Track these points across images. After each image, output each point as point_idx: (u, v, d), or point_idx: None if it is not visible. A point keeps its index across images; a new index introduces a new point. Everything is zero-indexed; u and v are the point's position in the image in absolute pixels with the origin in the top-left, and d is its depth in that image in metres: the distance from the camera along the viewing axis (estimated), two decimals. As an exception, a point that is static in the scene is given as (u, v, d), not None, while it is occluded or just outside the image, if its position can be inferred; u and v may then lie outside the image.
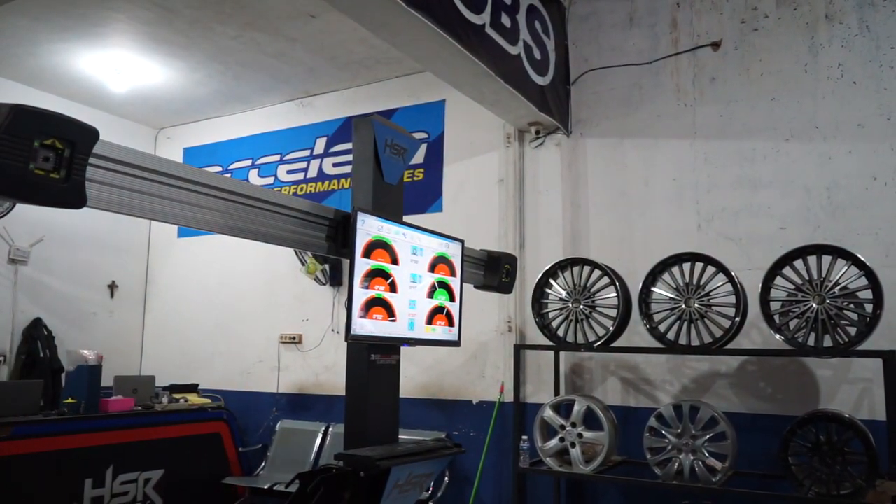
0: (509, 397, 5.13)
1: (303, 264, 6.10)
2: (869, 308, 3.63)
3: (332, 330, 6.17)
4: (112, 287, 7.15)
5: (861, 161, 4.43)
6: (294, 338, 6.38)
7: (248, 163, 7.01)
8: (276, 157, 6.83)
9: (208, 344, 6.94)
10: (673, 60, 5.07)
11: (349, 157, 6.25)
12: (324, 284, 6.18)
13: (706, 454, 3.86)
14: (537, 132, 5.30)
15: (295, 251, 6.12)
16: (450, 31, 3.66)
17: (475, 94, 4.66)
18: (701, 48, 4.98)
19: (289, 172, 6.73)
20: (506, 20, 4.41)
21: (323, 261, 6.03)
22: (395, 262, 3.04)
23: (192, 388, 6.25)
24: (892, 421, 3.55)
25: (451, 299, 3.51)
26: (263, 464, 6.06)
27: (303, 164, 6.64)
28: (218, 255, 6.99)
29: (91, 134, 1.96)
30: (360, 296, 2.78)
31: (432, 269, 3.35)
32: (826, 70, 4.61)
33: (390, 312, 2.97)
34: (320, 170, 6.52)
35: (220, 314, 6.91)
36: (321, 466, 2.63)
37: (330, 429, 5.95)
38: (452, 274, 3.54)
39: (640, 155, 5.11)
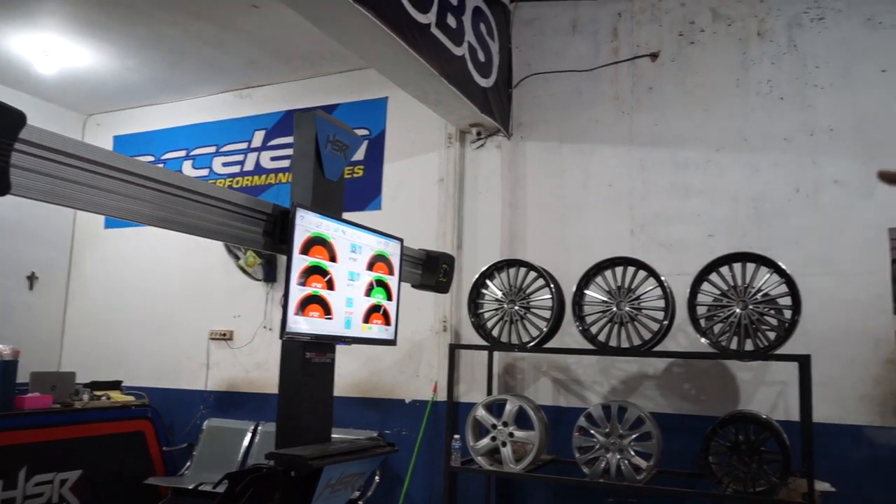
0: (442, 396, 5.15)
1: (237, 259, 5.97)
2: (788, 314, 3.80)
3: (265, 327, 6.06)
4: (31, 278, 6.82)
5: (785, 173, 4.63)
6: (225, 334, 6.23)
7: (183, 153, 6.81)
8: (212, 149, 6.65)
9: (134, 340, 6.70)
10: (613, 69, 5.18)
11: (288, 152, 6.16)
12: (258, 280, 6.06)
13: (632, 453, 3.96)
14: (478, 133, 5.33)
15: (226, 246, 5.98)
16: (396, 30, 3.64)
17: (419, 94, 4.66)
18: (640, 58, 5.12)
19: (225, 165, 6.57)
20: (451, 21, 4.42)
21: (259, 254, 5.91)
22: (333, 259, 3.00)
23: (115, 385, 6.02)
24: (805, 421, 3.72)
25: (389, 298, 3.49)
26: (189, 463, 5.89)
27: (240, 157, 6.49)
28: (147, 248, 6.76)
29: (17, 118, 1.86)
30: (297, 293, 2.73)
31: (370, 267, 3.32)
32: (756, 85, 4.80)
33: (327, 310, 2.93)
34: (258, 163, 6.39)
35: (147, 309, 6.69)
36: (251, 466, 2.57)
37: (259, 427, 5.84)
38: (390, 272, 3.52)
39: (578, 159, 5.21)
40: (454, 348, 4.69)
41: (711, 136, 4.86)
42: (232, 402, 6.16)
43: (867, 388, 4.27)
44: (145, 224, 2.54)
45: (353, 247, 3.15)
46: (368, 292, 3.28)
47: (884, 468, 4.18)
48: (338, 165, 3.12)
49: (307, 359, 2.93)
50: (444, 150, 5.52)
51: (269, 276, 6.02)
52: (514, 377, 5.18)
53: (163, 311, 6.60)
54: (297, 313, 2.73)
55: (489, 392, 4.91)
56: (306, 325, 2.83)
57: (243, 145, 6.49)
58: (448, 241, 5.32)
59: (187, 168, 6.73)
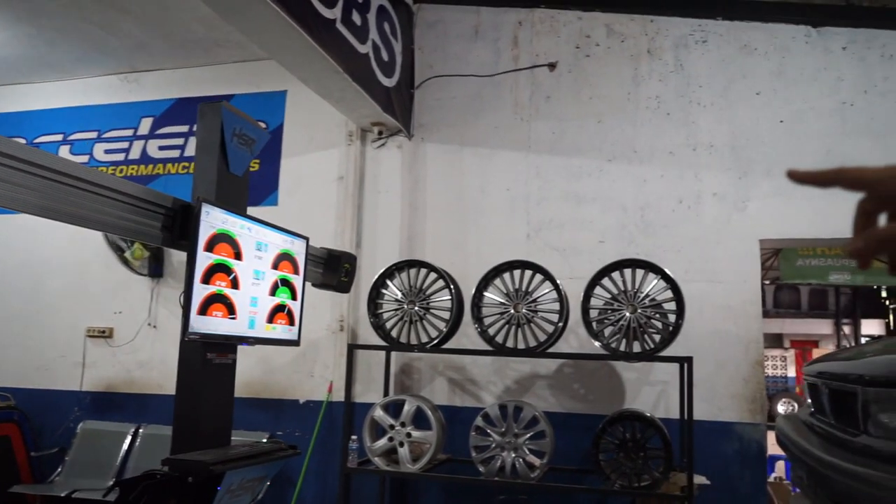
0: (338, 396, 5.10)
1: (120, 252, 5.62)
2: (672, 318, 4.05)
3: (149, 324, 5.75)
4: None
5: (670, 185, 4.92)
6: (104, 331, 5.86)
7: (59, 137, 6.34)
8: (94, 134, 6.24)
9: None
10: (513, 76, 5.31)
11: (178, 141, 5.88)
12: (142, 275, 5.74)
13: (527, 451, 4.08)
14: (380, 133, 5.31)
15: (106, 237, 5.63)
16: (302, 24, 3.57)
17: (321, 90, 4.58)
18: (538, 67, 5.27)
19: (107, 152, 6.17)
20: (356, 18, 4.38)
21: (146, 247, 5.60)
22: (238, 257, 2.89)
23: (-24, 386, 5.53)
24: (685, 419, 3.98)
25: (293, 297, 3.41)
26: (60, 469, 5.49)
27: (124, 145, 6.12)
28: (18, 237, 6.24)
29: None
30: (200, 291, 2.61)
31: (276, 265, 3.23)
32: (645, 100, 5.07)
33: (231, 310, 2.82)
34: (144, 152, 6.06)
35: (16, 303, 6.17)
36: (144, 472, 2.43)
37: (141, 430, 5.53)
38: (295, 272, 3.44)
39: (478, 163, 5.30)
40: (353, 348, 4.65)
41: (604, 147, 5.08)
42: (110, 404, 5.79)
43: (738, 388, 4.61)
44: (30, 214, 2.34)
45: (258, 244, 3.05)
46: (273, 291, 3.19)
47: (750, 461, 4.54)
48: (243, 160, 3.01)
49: (208, 359, 2.81)
50: (345, 148, 5.45)
51: (156, 272, 5.72)
52: (411, 377, 5.20)
53: (33, 305, 6.12)
54: (199, 313, 2.60)
55: (386, 392, 4.90)
56: (210, 324, 2.71)
57: (128, 132, 6.12)
58: (347, 240, 5.26)
59: (65, 153, 6.27)
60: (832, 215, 4.46)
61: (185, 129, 5.89)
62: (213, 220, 2.67)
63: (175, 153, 5.92)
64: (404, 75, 5.25)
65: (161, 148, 6.02)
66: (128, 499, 2.23)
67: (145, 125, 6.09)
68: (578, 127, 5.15)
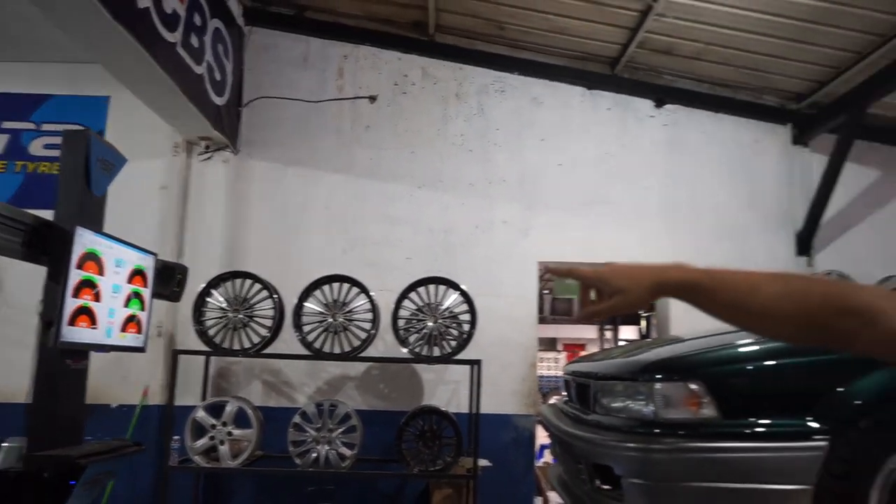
0: (154, 400, 5.24)
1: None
2: (467, 327, 4.80)
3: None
4: None
5: (469, 212, 5.72)
6: None
7: None
8: None
9: None
10: (337, 104, 5.82)
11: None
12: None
13: (340, 444, 4.60)
14: (207, 146, 5.54)
15: None
16: (148, 48, 3.82)
17: (155, 104, 4.74)
18: (361, 98, 5.84)
19: None
20: (194, 41, 4.65)
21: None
22: (101, 273, 3.15)
23: None
24: (474, 412, 4.76)
25: (142, 308, 3.67)
26: None
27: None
28: None
29: None
30: (71, 304, 2.88)
31: (130, 279, 3.49)
32: (452, 137, 5.84)
33: (93, 320, 3.06)
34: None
35: None
36: (-4, 469, 2.60)
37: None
38: (145, 284, 3.71)
39: (301, 183, 5.74)
40: (177, 353, 4.86)
41: (415, 175, 5.77)
42: None
43: (516, 385, 5.51)
44: None
45: (117, 261, 3.31)
46: (126, 303, 3.45)
47: (524, 446, 5.45)
48: (104, 183, 3.26)
49: (66, 365, 3.05)
50: (170, 159, 5.57)
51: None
52: (229, 380, 5.49)
53: None
54: (69, 324, 2.87)
55: (204, 395, 5.15)
56: (77, 334, 2.98)
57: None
58: (169, 249, 5.39)
59: None
60: (592, 245, 5.55)
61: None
62: (84, 240, 2.93)
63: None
64: (233, 94, 5.55)
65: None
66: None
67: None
68: (394, 156, 5.79)
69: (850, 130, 5.33)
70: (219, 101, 5.23)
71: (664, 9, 4.90)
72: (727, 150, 5.94)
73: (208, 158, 5.63)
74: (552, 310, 13.28)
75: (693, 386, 2.63)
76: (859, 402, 2.51)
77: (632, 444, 2.69)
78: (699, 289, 1.13)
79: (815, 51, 5.20)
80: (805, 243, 5.75)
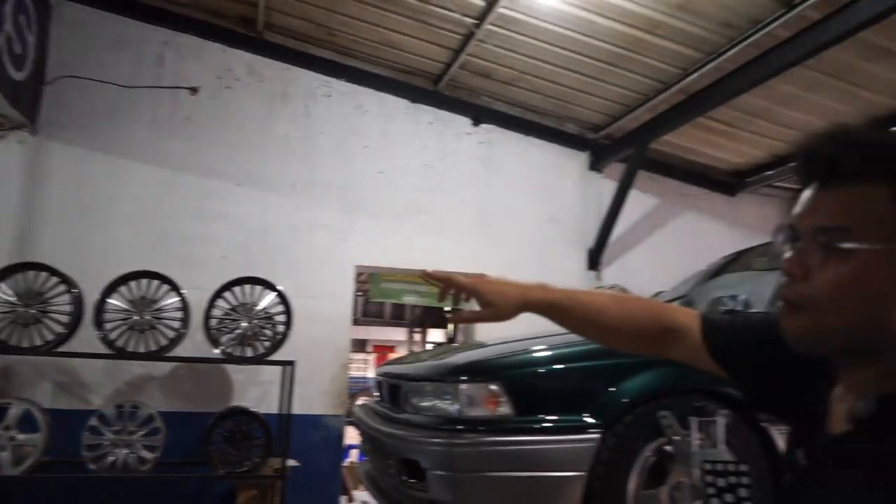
0: (-82, 402, 4.68)
1: None
2: (282, 328, 4.82)
3: None
4: None
5: (290, 213, 5.73)
6: None
7: None
8: None
9: None
10: (154, 93, 5.55)
11: None
12: None
13: (140, 448, 4.41)
14: (0, 124, 5.05)
15: None
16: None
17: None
18: (180, 88, 5.61)
19: None
20: (-7, 9, 4.25)
21: None
22: None
23: None
24: (284, 413, 4.79)
25: None
26: None
27: None
28: None
29: None
30: None
31: None
32: (276, 136, 5.82)
33: None
34: None
35: None
36: None
37: None
38: None
39: (108, 171, 5.39)
40: (-49, 350, 4.39)
41: (235, 172, 5.66)
42: None
43: (326, 386, 5.60)
44: None
45: None
46: None
47: (332, 446, 5.57)
48: None
49: None
50: (-50, 133, 5.03)
51: None
52: (11, 381, 5.03)
53: None
54: None
55: (-20, 396, 4.69)
56: None
57: None
58: (-56, 233, 4.87)
59: None
60: (408, 253, 5.82)
61: None
62: None
63: None
64: (36, 70, 5.11)
65: None
66: None
67: None
68: (213, 151, 5.64)
69: (636, 162, 6.07)
70: (18, 76, 4.79)
71: (485, 36, 5.27)
72: (534, 171, 6.49)
73: (1, 138, 5.13)
74: (364, 312, 13.50)
75: (492, 387, 2.93)
76: (626, 400, 2.96)
77: (437, 440, 2.93)
78: (558, 308, 1.33)
79: (610, 89, 5.86)
80: (595, 259, 6.44)
